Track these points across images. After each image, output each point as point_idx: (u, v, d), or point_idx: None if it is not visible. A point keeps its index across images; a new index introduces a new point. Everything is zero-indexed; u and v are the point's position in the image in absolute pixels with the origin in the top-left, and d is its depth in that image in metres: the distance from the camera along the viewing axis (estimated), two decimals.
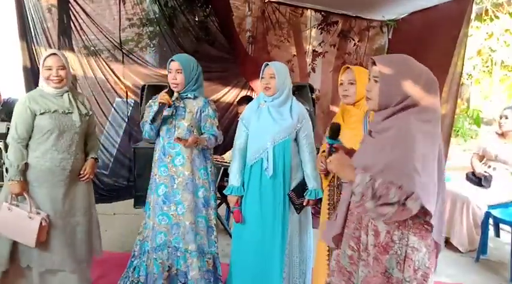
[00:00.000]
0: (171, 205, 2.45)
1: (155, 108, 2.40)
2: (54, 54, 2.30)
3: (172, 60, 2.44)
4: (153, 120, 2.34)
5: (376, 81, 1.49)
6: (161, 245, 2.46)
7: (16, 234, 2.25)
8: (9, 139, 2.28)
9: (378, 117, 1.52)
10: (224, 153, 3.87)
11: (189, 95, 2.46)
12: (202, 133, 2.50)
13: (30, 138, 2.28)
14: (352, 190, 1.47)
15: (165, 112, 2.44)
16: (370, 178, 1.40)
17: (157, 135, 2.50)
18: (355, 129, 2.08)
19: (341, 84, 2.16)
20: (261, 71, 2.35)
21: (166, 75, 2.44)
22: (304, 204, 2.32)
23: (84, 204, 2.46)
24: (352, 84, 2.09)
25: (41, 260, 2.34)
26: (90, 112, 2.47)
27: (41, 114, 2.25)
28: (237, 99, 5.21)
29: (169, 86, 2.44)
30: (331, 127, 1.71)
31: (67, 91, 2.35)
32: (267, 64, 2.35)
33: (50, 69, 2.27)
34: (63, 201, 2.35)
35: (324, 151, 2.29)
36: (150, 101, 2.53)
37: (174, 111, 2.44)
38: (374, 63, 1.52)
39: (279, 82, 2.30)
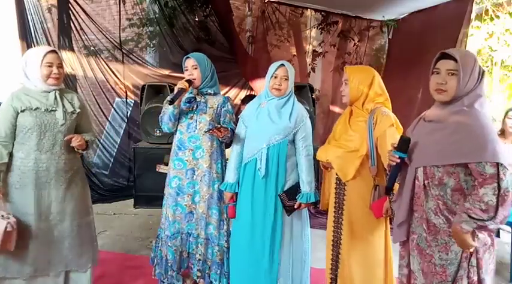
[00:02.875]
0: (184, 197, 2.51)
1: (174, 92, 2.41)
2: (54, 51, 2.22)
3: (187, 57, 2.50)
4: (171, 102, 2.35)
5: (452, 74, 1.57)
6: (175, 233, 2.54)
7: None
8: None
9: (449, 108, 1.60)
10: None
11: (209, 91, 2.53)
12: None
13: (15, 138, 2.16)
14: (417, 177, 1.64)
15: (183, 106, 2.47)
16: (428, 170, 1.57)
17: (176, 129, 2.52)
18: (358, 132, 2.14)
19: (342, 84, 2.24)
20: (274, 69, 2.28)
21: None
22: (295, 207, 2.28)
23: (78, 208, 2.31)
24: (346, 84, 2.18)
25: (20, 269, 2.18)
26: (78, 110, 2.28)
27: (22, 111, 2.13)
28: (236, 99, 5.22)
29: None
30: (403, 140, 1.66)
31: (55, 89, 2.21)
32: (283, 64, 2.28)
33: (50, 66, 2.15)
34: (50, 203, 2.21)
35: (326, 164, 2.26)
36: (168, 97, 2.54)
37: (196, 106, 2.49)
38: (446, 58, 1.60)
39: (290, 84, 2.29)
